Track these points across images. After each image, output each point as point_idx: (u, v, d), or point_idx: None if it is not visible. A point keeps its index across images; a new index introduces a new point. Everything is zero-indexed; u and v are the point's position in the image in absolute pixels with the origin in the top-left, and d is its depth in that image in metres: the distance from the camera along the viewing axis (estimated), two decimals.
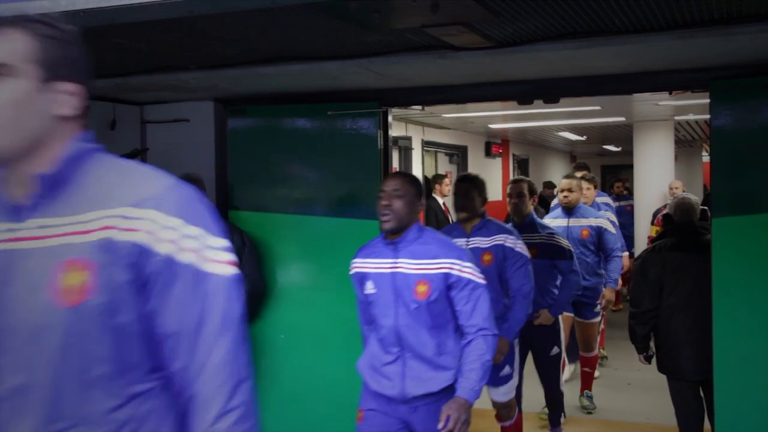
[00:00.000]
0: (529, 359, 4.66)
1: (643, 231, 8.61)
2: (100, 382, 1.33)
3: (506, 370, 4.01)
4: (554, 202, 6.36)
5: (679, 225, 3.97)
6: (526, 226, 4.56)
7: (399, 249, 2.89)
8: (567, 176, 5.86)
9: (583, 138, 11.75)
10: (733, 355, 3.53)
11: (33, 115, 1.35)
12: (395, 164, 8.10)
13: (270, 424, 4.05)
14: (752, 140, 3.52)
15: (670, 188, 8.39)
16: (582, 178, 6.40)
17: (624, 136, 10.21)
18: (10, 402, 1.33)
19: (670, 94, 5.65)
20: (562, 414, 4.93)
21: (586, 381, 5.79)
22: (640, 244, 8.69)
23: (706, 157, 11.67)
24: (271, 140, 4.45)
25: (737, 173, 3.56)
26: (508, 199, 4.67)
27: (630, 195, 10.28)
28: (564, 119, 8.77)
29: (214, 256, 1.37)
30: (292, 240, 4.42)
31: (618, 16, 2.78)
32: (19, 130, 1.34)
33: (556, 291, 4.65)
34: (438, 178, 7.96)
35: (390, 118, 4.35)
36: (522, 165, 12.91)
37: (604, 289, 5.69)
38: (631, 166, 9.21)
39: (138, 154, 4.40)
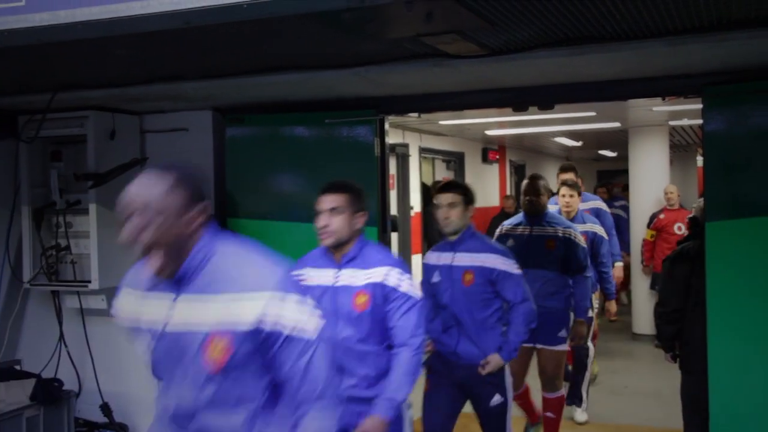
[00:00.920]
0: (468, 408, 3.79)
1: (639, 235, 8.64)
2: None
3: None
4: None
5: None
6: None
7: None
8: (530, 179, 4.73)
9: (579, 143, 11.79)
10: (727, 357, 3.56)
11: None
12: (392, 171, 8.14)
13: None
14: (744, 145, 3.56)
15: (665, 193, 8.41)
16: (563, 183, 5.40)
17: (619, 141, 10.23)
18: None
19: (663, 99, 5.67)
20: None
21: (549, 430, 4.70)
22: (636, 248, 8.71)
23: (701, 162, 11.70)
24: (269, 148, 4.48)
25: (730, 177, 3.59)
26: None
27: (620, 197, 10.26)
28: (560, 125, 8.81)
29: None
30: (290, 247, 4.42)
31: (611, 23, 2.82)
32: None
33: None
34: (437, 185, 8.00)
35: (387, 126, 4.38)
36: (519, 171, 12.93)
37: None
38: (627, 171, 9.22)
39: (137, 163, 4.42)
